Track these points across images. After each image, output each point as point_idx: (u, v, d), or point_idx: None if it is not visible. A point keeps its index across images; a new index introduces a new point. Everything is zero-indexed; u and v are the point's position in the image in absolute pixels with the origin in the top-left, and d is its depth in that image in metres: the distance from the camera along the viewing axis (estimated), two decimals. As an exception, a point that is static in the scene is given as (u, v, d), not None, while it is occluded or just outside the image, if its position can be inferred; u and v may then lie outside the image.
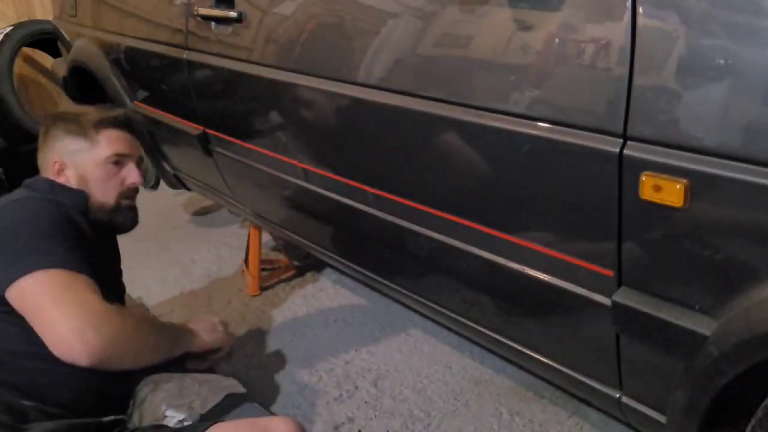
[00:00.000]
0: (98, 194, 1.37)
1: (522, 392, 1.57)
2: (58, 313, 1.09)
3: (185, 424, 1.33)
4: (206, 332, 1.47)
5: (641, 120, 0.80)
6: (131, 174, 1.41)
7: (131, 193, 1.44)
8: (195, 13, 1.62)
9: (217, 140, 1.74)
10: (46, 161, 1.40)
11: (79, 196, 1.35)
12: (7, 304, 1.15)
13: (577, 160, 0.88)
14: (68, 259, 1.16)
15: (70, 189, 1.35)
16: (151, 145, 2.16)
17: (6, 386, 1.14)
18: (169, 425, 1.31)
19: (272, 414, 1.51)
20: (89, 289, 1.14)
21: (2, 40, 3.24)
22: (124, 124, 1.44)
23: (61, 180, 1.37)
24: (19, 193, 1.33)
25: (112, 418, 1.26)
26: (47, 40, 3.17)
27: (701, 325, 0.83)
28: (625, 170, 0.83)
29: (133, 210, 1.46)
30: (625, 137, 0.82)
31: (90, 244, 1.31)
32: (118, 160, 1.40)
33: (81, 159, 1.38)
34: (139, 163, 1.46)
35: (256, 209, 1.89)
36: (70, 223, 1.25)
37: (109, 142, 1.39)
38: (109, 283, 1.31)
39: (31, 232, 1.18)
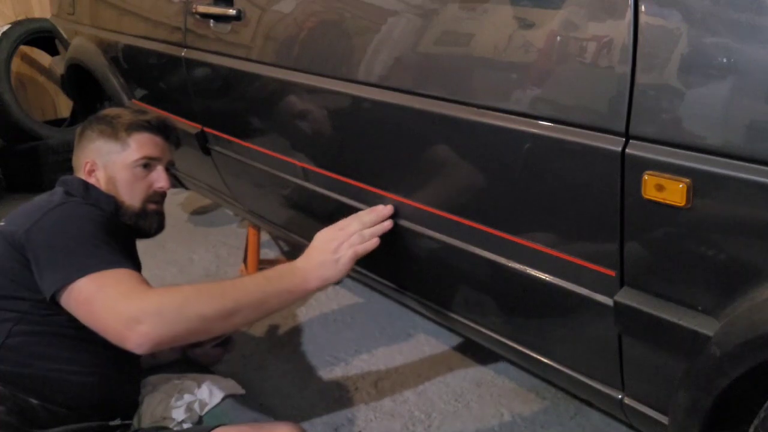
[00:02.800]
0: (126, 197, 1.37)
1: (523, 393, 1.56)
2: (110, 313, 1.10)
3: (184, 425, 1.33)
4: (324, 263, 1.21)
5: (644, 119, 0.80)
6: (159, 178, 1.41)
7: (158, 197, 1.43)
8: (193, 10, 1.61)
9: (215, 139, 1.73)
10: (80, 161, 1.41)
11: (110, 200, 1.36)
12: (45, 308, 1.17)
13: (579, 159, 0.88)
14: (115, 260, 1.16)
15: (101, 192, 1.36)
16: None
17: (18, 386, 1.14)
18: (168, 426, 1.31)
19: (269, 415, 1.50)
20: (135, 282, 1.14)
21: (0, 38, 3.24)
22: (158, 128, 1.43)
23: (91, 181, 1.38)
24: (58, 194, 1.33)
25: (118, 422, 1.26)
26: (45, 38, 3.17)
27: (704, 325, 0.82)
28: (628, 169, 0.82)
29: (160, 215, 1.44)
30: (627, 136, 0.81)
31: (129, 246, 1.33)
32: (147, 164, 1.39)
33: (111, 161, 1.38)
34: (168, 168, 1.45)
35: (255, 208, 1.88)
36: (108, 226, 1.25)
37: (139, 146, 1.39)
38: None
39: (79, 237, 1.18)
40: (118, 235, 1.28)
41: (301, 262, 1.22)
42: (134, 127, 1.40)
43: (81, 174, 1.40)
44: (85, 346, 1.20)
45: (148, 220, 1.41)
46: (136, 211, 1.38)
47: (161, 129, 1.43)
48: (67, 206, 1.25)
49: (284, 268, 1.23)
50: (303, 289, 1.21)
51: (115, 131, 1.39)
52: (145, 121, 1.41)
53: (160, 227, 1.45)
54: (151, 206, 1.41)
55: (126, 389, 1.32)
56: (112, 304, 1.10)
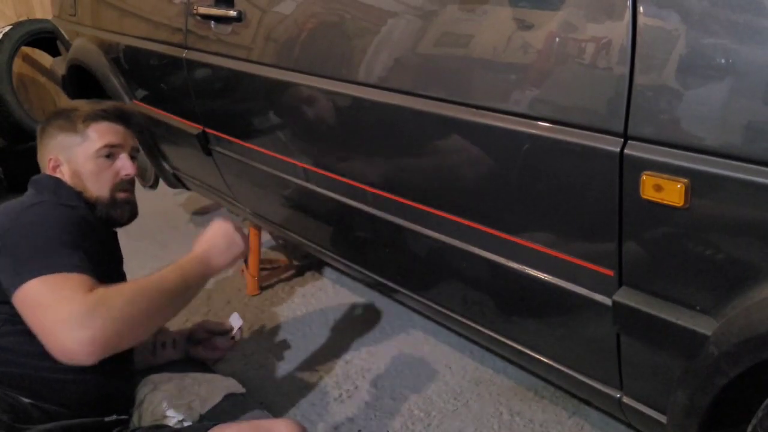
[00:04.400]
0: (93, 189, 1.36)
1: (522, 392, 1.56)
2: (47, 319, 1.07)
3: (185, 424, 1.33)
4: (221, 250, 1.32)
5: (642, 119, 0.80)
6: (124, 165, 1.39)
7: (126, 185, 1.41)
8: (194, 12, 1.62)
9: (216, 139, 1.73)
10: (44, 159, 1.41)
11: (79, 196, 1.35)
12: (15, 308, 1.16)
13: (578, 160, 0.88)
14: (65, 263, 1.13)
15: (69, 189, 1.35)
16: (150, 145, 2.16)
17: (9, 385, 1.14)
18: (168, 425, 1.31)
19: (270, 414, 1.51)
20: (77, 287, 1.09)
21: (1, 39, 3.24)
22: (116, 116, 1.42)
23: (57, 175, 1.37)
24: (29, 196, 1.32)
25: (114, 417, 1.26)
26: (46, 39, 3.17)
27: (702, 324, 0.83)
28: (626, 170, 0.82)
29: (131, 203, 1.42)
30: (625, 137, 0.82)
31: (99, 243, 1.29)
32: (110, 153, 1.38)
33: (74, 154, 1.37)
34: (132, 154, 1.43)
35: (256, 209, 1.88)
36: (78, 226, 1.23)
37: (99, 135, 1.37)
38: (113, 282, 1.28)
39: (35, 240, 1.17)
40: (91, 232, 1.26)
41: (198, 248, 1.31)
42: (91, 117, 1.39)
43: (46, 172, 1.39)
44: None
45: (119, 209, 1.39)
46: (106, 201, 1.37)
47: (119, 116, 1.42)
48: (36, 208, 1.24)
49: (187, 258, 1.29)
50: (212, 268, 1.30)
51: (73, 124, 1.38)
52: (101, 110, 1.41)
53: (132, 215, 1.43)
54: (121, 195, 1.39)
55: (119, 385, 1.30)
56: (54, 307, 1.06)
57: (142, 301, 1.12)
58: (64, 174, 1.36)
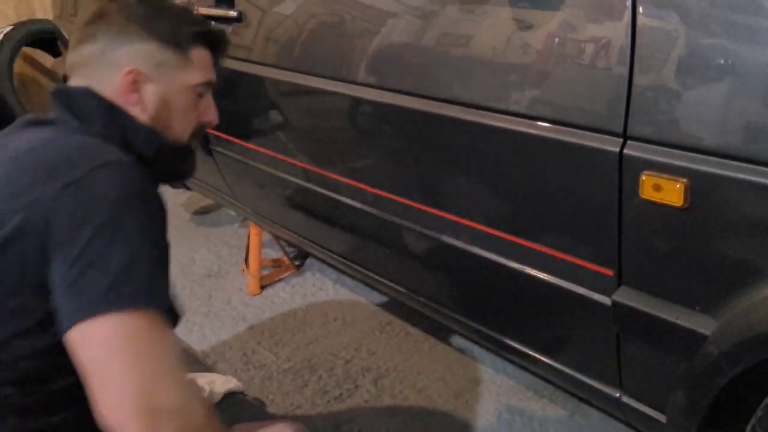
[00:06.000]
0: (177, 129, 0.98)
1: (522, 392, 1.57)
2: (133, 382, 0.72)
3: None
4: None
5: (641, 119, 0.80)
6: (211, 110, 1.03)
7: (201, 134, 1.06)
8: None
9: (216, 140, 1.74)
10: (108, 63, 0.92)
11: (154, 138, 0.93)
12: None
13: (577, 160, 0.88)
14: (155, 289, 0.79)
15: (141, 127, 0.93)
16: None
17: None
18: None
19: (270, 413, 1.51)
20: (174, 353, 0.77)
21: (2, 39, 3.25)
22: (219, 45, 1.04)
23: (132, 99, 0.92)
24: (72, 135, 0.86)
25: None
26: (47, 39, 3.17)
27: (701, 324, 0.83)
28: (625, 170, 0.83)
29: (195, 157, 1.08)
30: (625, 137, 0.82)
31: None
32: (203, 92, 1.01)
33: (170, 77, 0.95)
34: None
35: (256, 208, 1.89)
36: (157, 201, 0.87)
37: (204, 65, 1.00)
38: None
39: (122, 248, 0.76)
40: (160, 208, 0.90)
41: None
42: (200, 40, 0.99)
43: (105, 86, 0.92)
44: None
45: (190, 162, 1.06)
46: (183, 147, 1.01)
47: (219, 46, 1.04)
48: (108, 174, 0.79)
49: None
50: None
51: (176, 36, 0.96)
52: (210, 32, 1.02)
53: (194, 170, 1.10)
54: (193, 144, 1.05)
55: None
56: (152, 368, 0.73)
57: None
58: (145, 99, 0.93)
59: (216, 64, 1.04)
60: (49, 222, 0.75)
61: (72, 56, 0.96)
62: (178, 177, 1.09)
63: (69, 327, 0.73)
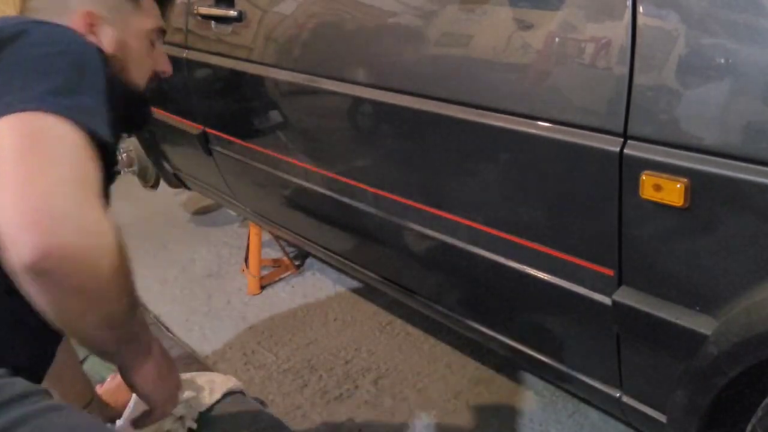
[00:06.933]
0: (134, 73, 1.00)
1: (522, 391, 1.57)
2: (34, 179, 0.68)
3: (185, 422, 1.34)
4: (155, 383, 0.90)
5: (641, 119, 0.80)
6: (163, 58, 1.07)
7: (154, 83, 1.07)
8: (195, 12, 1.62)
9: (216, 139, 1.74)
10: (63, 7, 0.94)
11: (113, 80, 0.89)
12: None
13: (578, 160, 0.88)
14: (98, 121, 0.76)
15: (106, 54, 0.91)
16: (151, 145, 2.16)
17: None
18: (167, 421, 1.31)
19: (270, 413, 1.51)
20: (94, 165, 0.73)
21: (2, 39, 3.24)
22: (165, 1, 1.09)
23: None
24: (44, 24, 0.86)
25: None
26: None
27: (701, 324, 0.83)
28: (626, 169, 0.83)
29: (150, 106, 1.10)
30: (625, 136, 0.82)
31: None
32: (155, 39, 1.05)
33: (125, 20, 0.98)
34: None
35: (256, 208, 1.89)
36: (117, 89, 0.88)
37: (155, 13, 1.04)
38: None
39: (80, 69, 0.78)
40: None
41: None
42: None
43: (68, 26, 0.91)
44: None
45: (146, 109, 1.07)
46: (139, 93, 1.03)
47: (171, 3, 1.12)
48: (64, 31, 0.85)
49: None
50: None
51: None
52: None
53: (150, 119, 1.11)
54: (146, 93, 1.06)
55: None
56: (51, 171, 0.68)
57: (123, 279, 0.76)
58: (103, 41, 0.94)
59: (162, 16, 1.07)
60: None
61: (26, 4, 0.97)
62: (135, 125, 1.10)
63: None
